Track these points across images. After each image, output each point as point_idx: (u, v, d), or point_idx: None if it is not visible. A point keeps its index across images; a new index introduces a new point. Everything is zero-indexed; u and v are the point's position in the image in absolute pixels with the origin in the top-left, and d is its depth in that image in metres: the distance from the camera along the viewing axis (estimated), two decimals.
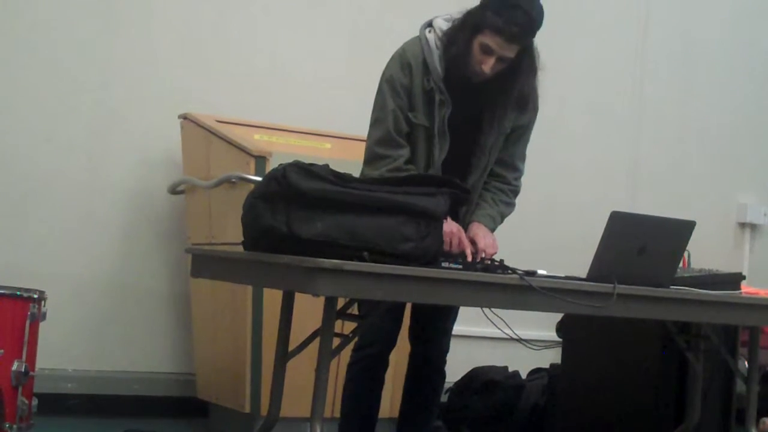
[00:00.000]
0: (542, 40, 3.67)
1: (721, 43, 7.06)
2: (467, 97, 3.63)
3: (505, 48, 3.51)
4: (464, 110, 3.64)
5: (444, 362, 3.89)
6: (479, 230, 3.67)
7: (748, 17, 7.20)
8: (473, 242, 3.60)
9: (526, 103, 3.67)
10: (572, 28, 6.45)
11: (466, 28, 3.55)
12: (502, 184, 3.80)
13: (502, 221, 3.78)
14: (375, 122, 3.66)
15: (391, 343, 3.78)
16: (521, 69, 3.58)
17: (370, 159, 3.63)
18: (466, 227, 3.67)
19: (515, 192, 3.84)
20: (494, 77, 3.57)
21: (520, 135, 3.78)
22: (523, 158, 3.85)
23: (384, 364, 3.78)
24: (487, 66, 3.53)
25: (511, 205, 3.82)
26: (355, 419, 3.78)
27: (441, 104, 3.60)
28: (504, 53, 3.52)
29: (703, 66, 6.99)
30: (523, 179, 3.87)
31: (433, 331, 3.84)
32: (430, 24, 3.67)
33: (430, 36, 3.62)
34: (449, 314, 3.84)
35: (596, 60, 6.58)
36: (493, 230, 3.72)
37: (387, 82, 3.63)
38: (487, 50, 3.51)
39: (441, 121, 3.60)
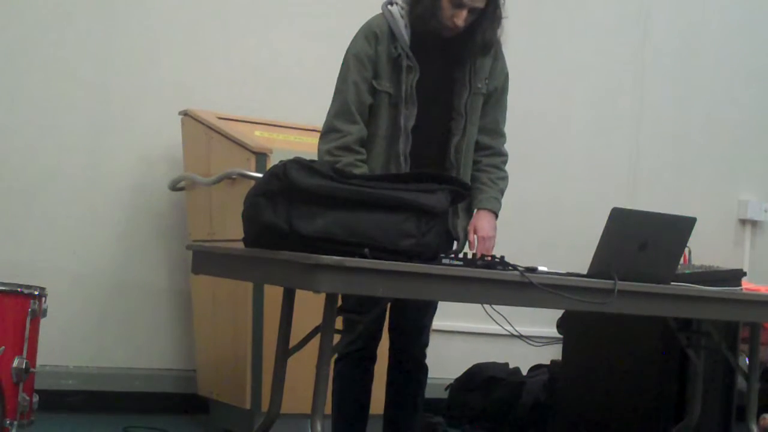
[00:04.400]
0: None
1: (722, 41, 7.05)
2: (436, 61, 3.67)
3: None
4: (434, 74, 3.68)
5: (424, 356, 3.87)
6: (484, 223, 3.69)
7: (748, 17, 7.19)
8: (475, 231, 3.67)
9: (489, 48, 3.70)
10: (573, 27, 6.45)
11: None
12: (493, 156, 3.83)
13: (502, 197, 3.82)
14: (335, 95, 3.70)
15: (377, 337, 3.77)
16: (485, 17, 3.63)
17: (325, 132, 3.67)
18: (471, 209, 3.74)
19: (505, 161, 3.87)
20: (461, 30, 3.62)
21: (497, 99, 3.82)
22: (504, 122, 3.89)
23: (372, 358, 3.78)
24: (460, 19, 3.58)
25: (506, 179, 3.85)
26: (346, 413, 3.77)
27: (408, 70, 3.63)
28: (475, 4, 3.58)
29: (703, 64, 6.98)
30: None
31: (410, 326, 3.83)
32: (390, 2, 3.71)
33: (393, 8, 3.68)
34: (427, 311, 3.84)
35: (597, 58, 6.57)
36: (498, 211, 3.76)
37: (352, 55, 3.67)
38: (458, 4, 3.57)
39: (408, 87, 3.63)
